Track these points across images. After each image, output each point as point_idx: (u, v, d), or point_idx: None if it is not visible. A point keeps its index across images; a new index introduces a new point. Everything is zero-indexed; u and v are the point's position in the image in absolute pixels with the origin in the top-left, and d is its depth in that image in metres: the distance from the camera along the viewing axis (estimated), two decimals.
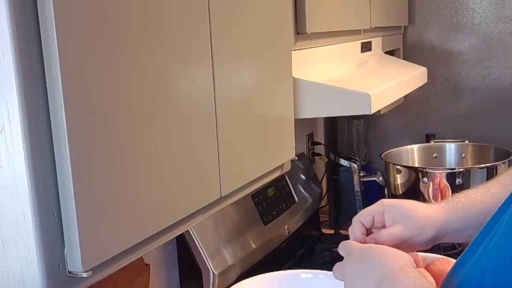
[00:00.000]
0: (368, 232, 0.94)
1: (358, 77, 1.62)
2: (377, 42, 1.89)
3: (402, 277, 0.73)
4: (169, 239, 0.90)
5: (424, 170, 1.87)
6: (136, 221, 0.80)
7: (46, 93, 0.67)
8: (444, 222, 0.92)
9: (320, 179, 2.13)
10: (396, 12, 2.11)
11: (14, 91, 0.64)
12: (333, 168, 2.10)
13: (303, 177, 1.95)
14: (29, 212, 0.67)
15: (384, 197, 2.11)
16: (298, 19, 1.34)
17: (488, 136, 2.13)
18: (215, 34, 0.96)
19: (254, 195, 1.62)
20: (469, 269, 0.65)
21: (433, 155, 2.15)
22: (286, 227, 1.73)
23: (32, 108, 0.65)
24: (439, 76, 2.27)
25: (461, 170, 1.84)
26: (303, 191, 1.91)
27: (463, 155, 2.13)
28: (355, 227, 0.94)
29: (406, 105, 2.29)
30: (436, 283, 1.03)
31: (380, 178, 2.16)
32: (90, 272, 0.72)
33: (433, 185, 1.84)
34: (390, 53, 2.10)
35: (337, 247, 0.90)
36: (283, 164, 1.26)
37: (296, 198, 1.84)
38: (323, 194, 2.12)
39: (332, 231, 2.07)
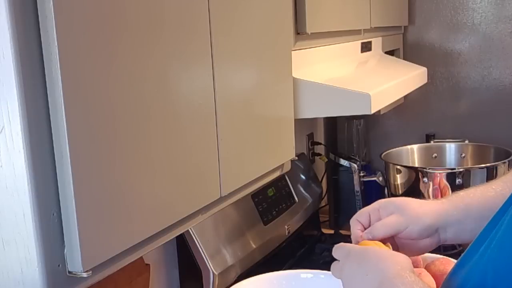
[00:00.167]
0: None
1: (358, 77, 1.62)
2: (377, 42, 1.89)
3: (399, 283, 0.73)
4: (169, 239, 0.90)
5: (424, 170, 1.87)
6: (136, 221, 0.80)
7: (46, 93, 0.67)
8: (441, 210, 0.92)
9: (320, 179, 2.13)
10: (396, 12, 2.11)
11: (14, 91, 0.64)
12: (333, 168, 2.10)
13: (303, 177, 1.95)
14: (29, 212, 0.67)
15: (384, 197, 2.11)
16: (298, 19, 1.34)
17: (488, 136, 2.13)
18: (215, 34, 0.96)
19: (254, 195, 1.62)
20: (470, 270, 0.65)
21: (433, 155, 2.15)
22: (286, 227, 1.73)
23: (32, 108, 0.65)
24: (439, 76, 2.27)
25: (461, 170, 1.84)
26: (303, 191, 1.91)
27: (463, 155, 2.13)
28: (353, 226, 0.95)
29: (406, 105, 2.29)
30: (436, 283, 1.03)
31: (380, 178, 2.16)
32: (90, 272, 0.72)
33: (433, 185, 1.84)
34: (390, 53, 2.10)
35: None
36: (283, 164, 1.26)
37: (296, 198, 1.84)
38: (323, 194, 2.12)
39: (332, 231, 2.07)
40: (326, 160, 2.15)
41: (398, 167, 1.95)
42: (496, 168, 1.85)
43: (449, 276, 0.73)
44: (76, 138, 0.69)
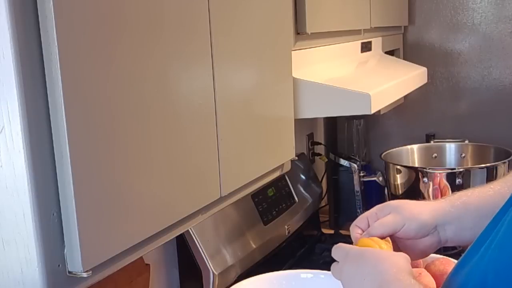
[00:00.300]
0: None
1: (358, 77, 1.62)
2: (377, 42, 1.89)
3: (397, 287, 0.73)
4: (169, 239, 0.90)
5: (424, 170, 1.87)
6: (136, 221, 0.80)
7: (46, 93, 0.67)
8: (438, 208, 0.92)
9: (320, 179, 2.13)
10: (396, 12, 2.11)
11: (14, 91, 0.64)
12: (333, 168, 2.10)
13: (303, 177, 1.95)
14: (29, 212, 0.67)
15: (384, 197, 2.12)
16: (298, 19, 1.34)
17: (488, 136, 2.13)
18: (215, 34, 0.96)
19: (254, 195, 1.62)
20: (470, 270, 0.65)
21: (433, 155, 2.15)
22: (286, 227, 1.73)
23: (32, 108, 0.65)
24: (439, 76, 2.27)
25: (461, 170, 1.84)
26: (303, 191, 1.91)
27: (463, 155, 2.14)
28: (352, 231, 0.95)
29: (406, 105, 2.29)
30: (436, 283, 1.03)
31: (380, 178, 2.16)
32: (90, 272, 0.72)
33: (433, 185, 1.84)
34: (390, 53, 2.10)
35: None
36: (283, 164, 1.26)
37: (296, 198, 1.84)
38: (323, 194, 2.12)
39: (332, 231, 2.07)
40: (326, 160, 2.15)
41: (398, 167, 1.95)
42: (496, 168, 1.85)
43: (449, 277, 0.73)
44: (76, 138, 0.69)
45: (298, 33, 1.35)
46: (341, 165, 2.05)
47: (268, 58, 1.17)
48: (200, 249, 1.38)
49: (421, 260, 1.13)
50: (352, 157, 2.12)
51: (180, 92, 0.89)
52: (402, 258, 0.80)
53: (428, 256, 1.01)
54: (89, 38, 0.70)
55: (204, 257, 1.38)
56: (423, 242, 0.92)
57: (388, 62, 1.94)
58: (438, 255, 1.02)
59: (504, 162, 1.87)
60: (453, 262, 1.12)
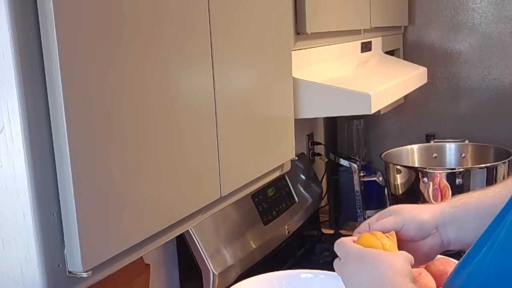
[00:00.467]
0: None
1: (358, 77, 1.62)
2: (377, 42, 1.89)
3: None
4: (169, 239, 0.90)
5: (424, 170, 1.87)
6: (136, 221, 0.80)
7: (46, 93, 0.67)
8: (438, 209, 0.92)
9: (320, 179, 2.13)
10: (396, 12, 2.11)
11: (14, 91, 0.64)
12: (333, 168, 2.10)
13: (303, 177, 1.95)
14: (29, 212, 0.67)
15: (384, 197, 2.12)
16: (298, 19, 1.34)
17: (488, 136, 2.13)
18: (215, 34, 0.96)
19: (254, 195, 1.62)
20: (472, 271, 0.65)
21: (433, 155, 2.15)
22: (286, 227, 1.73)
23: (32, 108, 0.65)
24: (439, 76, 2.27)
25: (461, 170, 1.84)
26: (303, 191, 1.91)
27: (463, 155, 2.14)
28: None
29: (406, 105, 2.29)
30: (436, 283, 1.03)
31: (380, 178, 2.16)
32: (90, 272, 0.72)
33: (433, 185, 1.84)
34: (390, 53, 2.10)
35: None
36: (283, 164, 1.26)
37: (296, 198, 1.84)
38: (323, 194, 2.12)
39: (332, 231, 2.07)
40: (326, 160, 2.15)
41: (398, 167, 1.95)
42: (496, 168, 1.85)
43: (450, 278, 0.73)
44: (76, 138, 0.69)
45: (298, 33, 1.35)
46: (341, 165, 2.05)
47: (268, 58, 1.17)
48: (200, 249, 1.38)
49: None
50: (352, 157, 2.12)
51: (180, 92, 0.89)
52: (400, 259, 0.80)
53: None
54: (89, 38, 0.70)
55: (204, 257, 1.38)
56: (425, 244, 0.92)
57: (388, 62, 1.94)
58: (438, 255, 1.02)
59: (504, 162, 1.87)
60: (453, 262, 1.12)
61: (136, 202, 0.80)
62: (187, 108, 0.90)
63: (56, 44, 0.65)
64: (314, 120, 2.24)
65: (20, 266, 0.69)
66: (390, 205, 2.05)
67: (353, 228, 2.06)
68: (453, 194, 1.83)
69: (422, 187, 1.86)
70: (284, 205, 1.76)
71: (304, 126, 2.12)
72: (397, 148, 2.11)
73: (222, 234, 1.47)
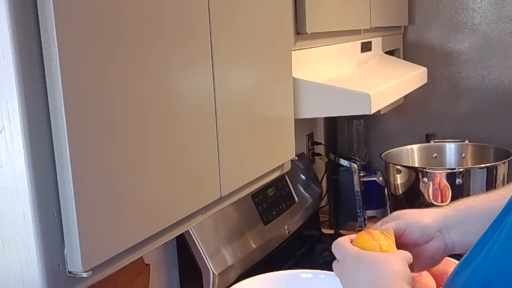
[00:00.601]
0: None
1: (358, 77, 1.62)
2: (377, 42, 1.89)
3: None
4: (169, 239, 0.90)
5: (424, 170, 1.87)
6: (136, 221, 0.80)
7: (46, 93, 0.67)
8: (440, 212, 0.92)
9: (320, 179, 2.13)
10: (396, 12, 2.11)
11: (14, 91, 0.64)
12: (333, 168, 2.10)
13: (303, 177, 1.95)
14: (29, 212, 0.67)
15: (384, 197, 2.12)
16: (298, 19, 1.34)
17: (488, 136, 2.13)
18: (215, 34, 0.96)
19: (254, 195, 1.62)
20: (473, 271, 0.65)
21: (433, 155, 2.15)
22: (286, 227, 1.73)
23: (32, 108, 0.65)
24: (439, 76, 2.27)
25: (461, 170, 1.84)
26: (303, 191, 1.91)
27: (463, 155, 2.14)
28: None
29: (406, 105, 2.29)
30: (436, 283, 1.03)
31: (380, 178, 2.16)
32: (90, 272, 0.72)
33: (433, 185, 1.84)
34: (390, 53, 2.10)
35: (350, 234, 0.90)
36: (283, 164, 1.26)
37: (296, 198, 1.84)
38: (323, 194, 2.12)
39: (332, 231, 2.07)
40: (326, 160, 2.15)
41: (398, 167, 1.95)
42: (496, 168, 1.85)
43: (451, 278, 0.73)
44: (76, 138, 0.69)
45: (298, 33, 1.35)
46: (341, 165, 2.05)
47: (268, 58, 1.17)
48: (200, 249, 1.38)
49: None
50: (352, 157, 2.12)
51: (180, 92, 0.89)
52: (398, 261, 0.80)
53: None
54: (89, 38, 0.70)
55: (204, 257, 1.38)
56: (430, 248, 0.92)
57: (388, 62, 1.94)
58: None
59: (504, 162, 1.87)
60: (453, 262, 1.12)
61: (136, 202, 0.80)
62: (187, 108, 0.90)
63: (56, 44, 0.65)
64: (314, 120, 2.24)
65: (20, 266, 0.69)
66: (390, 205, 2.06)
67: (353, 228, 2.07)
68: (453, 194, 1.83)
69: (422, 187, 1.86)
70: (284, 205, 1.76)
71: (304, 126, 2.12)
72: (397, 148, 2.11)
73: (222, 234, 1.47)
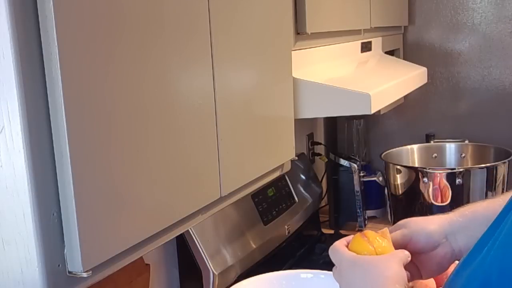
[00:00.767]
0: None
1: (358, 77, 1.62)
2: (377, 42, 1.89)
3: None
4: (169, 239, 0.90)
5: (424, 170, 1.87)
6: (136, 221, 0.80)
7: (46, 93, 0.67)
8: (445, 218, 0.92)
9: (320, 179, 2.13)
10: (396, 12, 2.11)
11: (14, 91, 0.64)
12: (333, 168, 2.10)
13: (303, 177, 1.95)
14: (29, 212, 0.67)
15: (384, 197, 2.12)
16: (298, 19, 1.34)
17: (488, 136, 2.13)
18: (215, 34, 0.96)
19: (254, 195, 1.62)
20: (473, 271, 0.65)
21: (433, 155, 2.15)
22: (286, 227, 1.73)
23: (32, 108, 0.65)
24: (439, 76, 2.27)
25: (461, 170, 1.84)
26: (303, 191, 1.91)
27: (463, 155, 2.14)
28: None
29: (406, 105, 2.29)
30: (436, 283, 1.03)
31: (380, 178, 2.16)
32: (90, 272, 0.72)
33: (433, 185, 1.84)
34: (390, 53, 2.10)
35: (346, 236, 0.90)
36: (283, 164, 1.26)
37: (296, 198, 1.84)
38: (323, 194, 2.12)
39: (332, 231, 2.07)
40: (326, 160, 2.15)
41: (398, 167, 1.95)
42: (496, 168, 1.85)
43: (451, 278, 0.73)
44: (76, 138, 0.69)
45: (298, 33, 1.35)
46: (341, 165, 2.05)
47: (268, 58, 1.17)
48: (200, 249, 1.38)
49: None
50: (352, 157, 2.12)
51: (180, 92, 0.89)
52: (392, 263, 0.81)
53: None
54: (89, 38, 0.70)
55: (204, 257, 1.38)
56: (437, 255, 0.91)
57: (388, 62, 1.94)
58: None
59: (504, 162, 1.87)
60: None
61: (136, 202, 0.80)
62: (187, 108, 0.90)
63: (56, 44, 0.65)
64: (314, 120, 2.24)
65: (20, 266, 0.69)
66: (390, 205, 2.05)
67: (353, 228, 2.07)
68: (453, 194, 1.83)
69: (422, 187, 1.86)
70: (284, 205, 1.76)
71: (304, 126, 2.12)
72: (397, 148, 2.11)
73: (222, 234, 1.47)
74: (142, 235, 0.82)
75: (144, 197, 0.82)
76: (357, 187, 1.98)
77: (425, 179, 1.84)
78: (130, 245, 0.79)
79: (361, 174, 2.00)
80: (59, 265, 0.70)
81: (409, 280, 0.86)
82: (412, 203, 1.90)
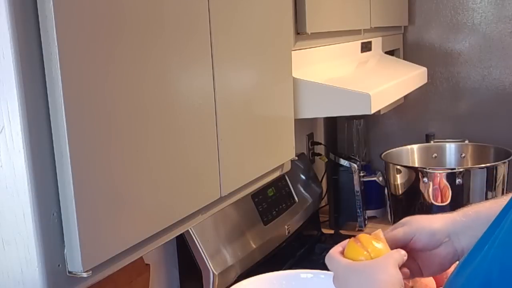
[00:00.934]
0: None
1: (358, 77, 1.62)
2: (377, 42, 1.89)
3: None
4: (169, 239, 0.90)
5: (424, 170, 1.87)
6: (136, 221, 0.80)
7: (46, 93, 0.67)
8: (449, 218, 0.92)
9: (320, 179, 2.13)
10: (396, 12, 2.11)
11: (14, 91, 0.64)
12: (333, 168, 2.10)
13: (303, 177, 1.95)
14: (29, 212, 0.67)
15: (384, 197, 2.12)
16: (298, 19, 1.34)
17: (488, 136, 2.13)
18: (215, 34, 0.96)
19: (254, 195, 1.62)
20: (473, 270, 0.65)
21: (433, 155, 2.15)
22: (286, 227, 1.73)
23: (32, 108, 0.65)
24: (439, 76, 2.27)
25: (461, 170, 1.84)
26: (303, 191, 1.91)
27: (463, 155, 2.14)
28: None
29: (406, 105, 2.29)
30: (436, 283, 1.03)
31: (380, 178, 2.16)
32: (90, 272, 0.72)
33: (433, 185, 1.84)
34: (390, 53, 2.10)
35: (341, 242, 0.90)
36: (283, 164, 1.26)
37: (296, 198, 1.84)
38: (323, 194, 2.12)
39: (332, 231, 2.07)
40: (326, 160, 2.15)
41: (398, 167, 1.95)
42: (496, 168, 1.85)
43: (451, 277, 0.73)
44: (76, 138, 0.69)
45: (298, 33, 1.35)
46: (341, 165, 2.05)
47: (268, 58, 1.17)
48: (200, 249, 1.38)
49: None
50: (352, 157, 2.12)
51: (180, 92, 0.89)
52: (387, 266, 0.82)
53: None
54: (89, 38, 0.70)
55: (204, 257, 1.38)
56: (439, 253, 0.91)
57: (388, 62, 1.94)
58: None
59: (504, 162, 1.87)
60: None
61: (136, 202, 0.80)
62: (187, 108, 0.90)
63: (56, 44, 0.65)
64: (314, 120, 2.24)
65: (20, 266, 0.69)
66: (390, 205, 2.05)
67: (353, 228, 2.07)
68: (453, 194, 1.83)
69: (422, 187, 1.86)
70: (284, 205, 1.76)
71: (304, 126, 2.12)
72: (397, 148, 2.11)
73: (222, 234, 1.47)
74: (142, 235, 0.82)
75: (144, 197, 0.82)
76: (357, 187, 1.98)
77: (425, 179, 1.84)
78: (130, 245, 0.79)
79: (361, 174, 2.00)
80: (59, 265, 0.70)
81: (409, 278, 0.86)
82: (412, 203, 1.90)
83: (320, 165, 2.26)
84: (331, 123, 2.36)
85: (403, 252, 0.84)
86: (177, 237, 1.13)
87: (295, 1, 1.33)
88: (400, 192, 1.95)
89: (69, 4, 0.67)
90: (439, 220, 0.92)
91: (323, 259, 1.82)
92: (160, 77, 0.84)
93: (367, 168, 2.19)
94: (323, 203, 2.15)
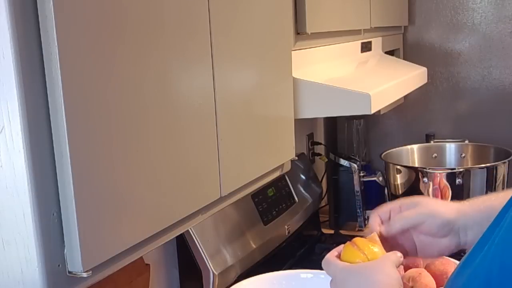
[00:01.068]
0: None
1: (358, 77, 1.62)
2: (377, 42, 1.89)
3: None
4: (169, 239, 0.90)
5: (424, 170, 1.87)
6: (136, 221, 0.80)
7: (46, 93, 0.67)
8: (461, 210, 0.91)
9: (320, 179, 2.13)
10: (396, 12, 2.11)
11: (14, 91, 0.64)
12: (333, 168, 2.10)
13: (303, 177, 1.95)
14: (29, 212, 0.67)
15: (384, 197, 2.12)
16: (298, 19, 1.34)
17: (488, 136, 2.13)
18: (215, 34, 0.96)
19: (254, 195, 1.62)
20: (474, 269, 0.65)
21: (433, 155, 2.15)
22: (286, 227, 1.73)
23: (32, 108, 0.65)
24: (439, 76, 2.27)
25: (461, 170, 1.84)
26: (303, 191, 1.91)
27: (463, 155, 2.13)
28: (372, 219, 0.95)
29: (406, 105, 2.29)
30: (436, 283, 1.03)
31: (380, 178, 2.16)
32: (90, 272, 0.72)
33: (433, 185, 1.84)
34: (390, 53, 2.10)
35: (337, 247, 0.90)
36: (283, 164, 1.26)
37: (296, 198, 1.84)
38: (323, 194, 2.12)
39: (332, 231, 2.07)
40: (326, 160, 2.15)
41: (398, 167, 1.95)
42: (496, 168, 1.85)
43: (452, 277, 0.73)
44: (76, 138, 0.69)
45: (298, 33, 1.35)
46: (341, 165, 2.05)
47: (268, 58, 1.17)
48: (200, 249, 1.38)
49: (421, 260, 1.13)
50: (352, 157, 2.12)
51: (180, 92, 0.89)
52: (384, 267, 0.81)
53: None
54: (89, 38, 0.70)
55: (204, 257, 1.38)
56: (442, 242, 0.91)
57: (388, 62, 1.94)
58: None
59: (504, 162, 1.87)
60: (453, 262, 1.12)
61: (136, 202, 0.80)
62: (187, 108, 0.90)
63: (56, 44, 0.65)
64: (314, 120, 2.24)
65: (20, 266, 0.69)
66: None
67: (353, 228, 2.07)
68: (453, 194, 1.83)
69: (422, 187, 1.86)
70: (284, 205, 1.76)
71: (304, 126, 2.12)
72: (397, 148, 2.11)
73: (222, 234, 1.47)
74: (142, 235, 0.82)
75: (144, 197, 0.82)
76: (357, 187, 1.98)
77: (425, 179, 1.84)
78: (130, 245, 0.79)
79: (361, 174, 2.00)
80: (59, 265, 0.70)
81: (404, 257, 0.86)
82: None
83: (320, 165, 2.26)
84: (331, 123, 2.36)
85: (399, 254, 0.84)
86: (177, 237, 1.13)
87: (295, 1, 1.33)
88: (400, 192, 1.95)
89: (69, 4, 0.67)
90: (452, 211, 0.91)
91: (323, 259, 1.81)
92: (160, 77, 0.84)
93: (367, 168, 2.19)
94: (323, 203, 2.15)
